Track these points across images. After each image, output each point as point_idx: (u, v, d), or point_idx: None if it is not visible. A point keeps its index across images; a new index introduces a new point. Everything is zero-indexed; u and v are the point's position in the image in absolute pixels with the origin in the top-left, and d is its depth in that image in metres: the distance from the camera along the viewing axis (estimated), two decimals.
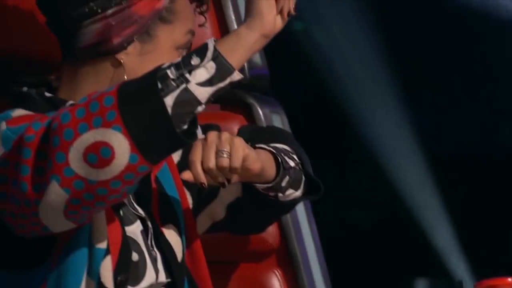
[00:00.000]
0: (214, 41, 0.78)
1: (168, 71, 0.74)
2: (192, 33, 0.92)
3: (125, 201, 0.92)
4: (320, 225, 1.26)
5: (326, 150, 3.95)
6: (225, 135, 0.80)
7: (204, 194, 1.00)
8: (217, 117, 1.09)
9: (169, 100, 0.72)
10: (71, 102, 0.87)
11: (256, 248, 1.12)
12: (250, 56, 0.82)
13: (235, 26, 1.17)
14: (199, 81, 0.75)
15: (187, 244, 0.96)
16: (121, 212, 0.90)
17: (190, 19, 0.93)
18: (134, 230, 0.92)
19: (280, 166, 0.88)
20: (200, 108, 0.76)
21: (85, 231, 0.86)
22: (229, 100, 1.11)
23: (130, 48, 0.87)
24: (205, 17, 0.97)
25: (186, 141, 0.76)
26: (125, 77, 0.88)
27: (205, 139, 0.80)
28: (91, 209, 0.81)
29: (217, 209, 1.00)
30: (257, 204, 0.96)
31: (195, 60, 0.76)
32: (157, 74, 0.74)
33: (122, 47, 0.86)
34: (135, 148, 0.72)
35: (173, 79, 0.74)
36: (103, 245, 0.86)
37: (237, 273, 1.14)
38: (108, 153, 0.73)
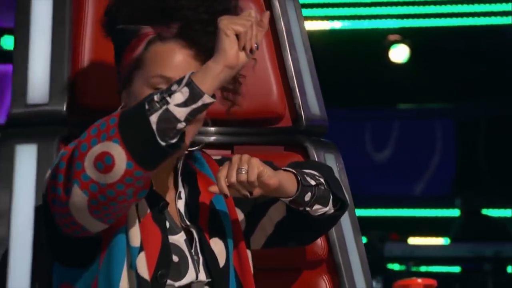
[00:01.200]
0: (191, 73, 0.91)
1: (155, 96, 0.87)
2: (161, 77, 1.04)
3: (176, 217, 1.10)
4: None
5: None
6: (245, 157, 0.94)
7: (254, 213, 1.14)
8: (281, 157, 1.27)
9: (153, 118, 0.86)
10: None
11: (308, 258, 1.25)
12: (219, 84, 0.93)
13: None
14: (177, 102, 0.87)
15: (236, 252, 1.11)
16: (167, 225, 1.06)
17: (162, 68, 1.05)
18: (178, 239, 1.07)
19: (300, 184, 1.02)
20: (180, 125, 0.88)
21: (122, 234, 1.03)
22: (292, 143, 1.31)
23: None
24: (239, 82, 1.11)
25: (169, 152, 0.88)
26: None
27: (230, 161, 0.95)
28: (109, 209, 0.94)
29: (267, 226, 1.13)
30: (298, 221, 1.09)
31: (174, 87, 0.88)
32: (147, 98, 0.87)
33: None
34: (130, 156, 0.85)
35: (157, 101, 0.86)
36: (136, 244, 1.02)
37: (292, 277, 1.29)
38: (110, 161, 0.86)
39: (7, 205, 1.22)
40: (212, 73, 0.92)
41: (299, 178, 1.02)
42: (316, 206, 1.05)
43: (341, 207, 1.11)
